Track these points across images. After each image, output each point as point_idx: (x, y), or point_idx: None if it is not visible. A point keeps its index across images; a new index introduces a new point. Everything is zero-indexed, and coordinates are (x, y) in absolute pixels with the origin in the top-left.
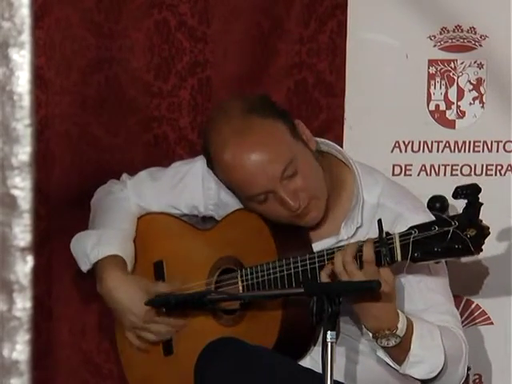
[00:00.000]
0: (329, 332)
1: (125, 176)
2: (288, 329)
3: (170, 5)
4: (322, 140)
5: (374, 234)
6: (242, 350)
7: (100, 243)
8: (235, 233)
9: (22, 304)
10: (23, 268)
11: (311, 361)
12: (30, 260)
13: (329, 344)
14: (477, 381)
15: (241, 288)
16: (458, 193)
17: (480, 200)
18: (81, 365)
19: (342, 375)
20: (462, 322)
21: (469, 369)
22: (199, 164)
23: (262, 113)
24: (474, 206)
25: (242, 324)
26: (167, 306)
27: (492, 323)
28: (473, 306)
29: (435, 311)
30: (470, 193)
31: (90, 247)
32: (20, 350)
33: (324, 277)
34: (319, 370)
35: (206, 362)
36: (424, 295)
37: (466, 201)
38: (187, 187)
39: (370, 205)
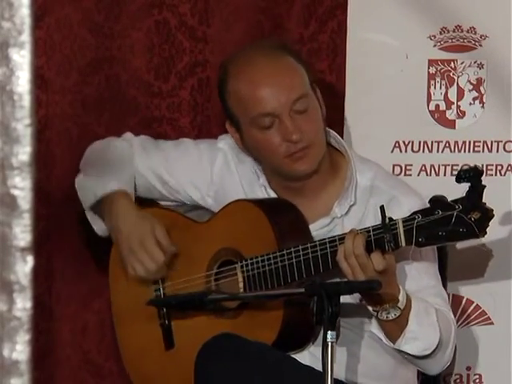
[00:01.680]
0: (329, 332)
1: (129, 134)
2: (290, 324)
3: (170, 5)
4: None
5: (368, 215)
6: (242, 345)
7: (109, 181)
8: (233, 224)
9: (22, 304)
10: (23, 268)
11: (311, 357)
12: (30, 260)
13: (329, 344)
14: (477, 381)
15: (241, 279)
16: (460, 176)
17: (483, 182)
18: (81, 365)
19: (343, 369)
20: (463, 322)
21: (469, 369)
22: (207, 147)
23: (290, 53)
24: (477, 188)
25: (242, 317)
26: (168, 307)
27: (492, 323)
28: (473, 305)
29: (427, 293)
30: (472, 176)
31: (98, 184)
32: (20, 350)
33: (342, 260)
34: (318, 366)
35: (206, 359)
36: (415, 278)
37: (468, 184)
38: (195, 164)
39: (363, 186)
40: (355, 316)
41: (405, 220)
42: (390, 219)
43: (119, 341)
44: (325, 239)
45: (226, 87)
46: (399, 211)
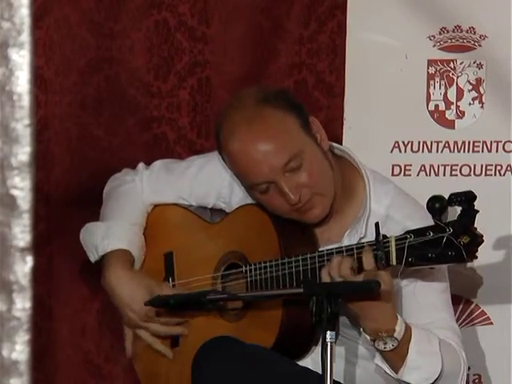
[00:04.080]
0: (328, 332)
1: (141, 166)
2: (288, 328)
3: (170, 5)
4: (338, 145)
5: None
6: (238, 349)
7: (109, 235)
8: (242, 228)
9: (22, 304)
10: (23, 268)
11: (312, 362)
12: (29, 260)
13: (328, 344)
14: (476, 381)
15: (245, 284)
16: (452, 200)
17: (476, 207)
18: (80, 365)
19: (342, 378)
20: (462, 322)
21: (468, 369)
22: (217, 160)
23: (274, 104)
24: (468, 213)
25: (244, 320)
26: (166, 307)
27: (491, 323)
28: (472, 306)
29: (438, 326)
30: (464, 200)
31: (99, 239)
32: (19, 350)
33: (325, 276)
34: (320, 370)
35: (202, 362)
36: (424, 312)
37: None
38: (203, 182)
39: (377, 215)
40: (356, 326)
41: (397, 238)
42: (384, 236)
43: None
44: (323, 251)
45: (222, 154)
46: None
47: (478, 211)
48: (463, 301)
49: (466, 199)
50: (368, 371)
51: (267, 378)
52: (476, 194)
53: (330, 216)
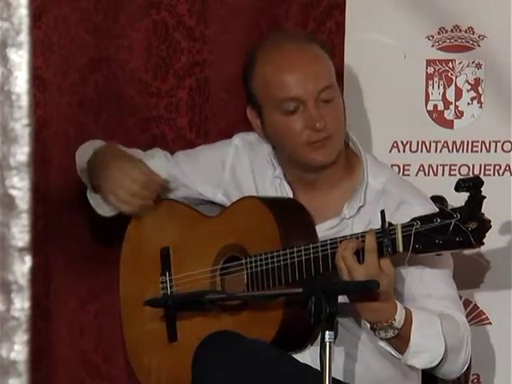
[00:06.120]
0: (327, 332)
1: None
2: (289, 322)
3: (168, 5)
4: None
5: (378, 217)
6: (239, 344)
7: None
8: (241, 220)
9: (20, 304)
10: (21, 268)
11: (311, 358)
12: (28, 260)
13: (327, 344)
14: (475, 381)
15: (245, 276)
16: (459, 185)
17: (482, 193)
18: (79, 365)
19: (341, 374)
20: None
21: (468, 368)
22: (220, 148)
23: (320, 44)
24: (475, 198)
25: (244, 313)
26: (165, 307)
27: (490, 323)
28: (471, 305)
29: (435, 296)
30: (471, 186)
31: (90, 152)
32: (18, 350)
33: (336, 261)
34: (318, 366)
35: (202, 357)
36: (425, 281)
37: (468, 194)
38: (205, 167)
39: (374, 189)
40: (355, 317)
41: (404, 226)
42: (390, 224)
43: (125, 333)
44: (326, 240)
45: (252, 71)
46: (412, 212)
47: (485, 197)
48: (462, 300)
49: (474, 185)
50: (367, 365)
51: (268, 373)
52: None
53: (329, 186)
